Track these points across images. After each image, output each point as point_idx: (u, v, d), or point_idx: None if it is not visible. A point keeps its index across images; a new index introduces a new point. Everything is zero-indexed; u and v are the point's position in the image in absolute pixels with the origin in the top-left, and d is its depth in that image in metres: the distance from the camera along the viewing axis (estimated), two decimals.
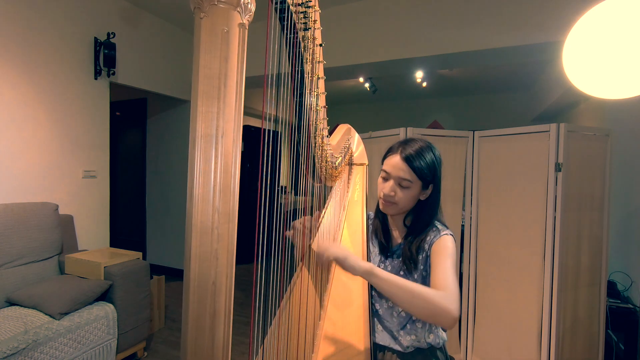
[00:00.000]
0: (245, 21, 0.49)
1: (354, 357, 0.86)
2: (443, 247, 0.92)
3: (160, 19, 3.48)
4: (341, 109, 6.54)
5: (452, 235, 0.96)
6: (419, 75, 4.42)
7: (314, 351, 0.89)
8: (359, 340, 0.90)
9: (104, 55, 2.85)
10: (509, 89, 5.18)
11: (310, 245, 1.05)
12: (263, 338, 0.86)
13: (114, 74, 2.96)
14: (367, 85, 4.98)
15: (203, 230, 0.46)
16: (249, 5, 0.49)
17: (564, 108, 4.16)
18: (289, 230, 1.02)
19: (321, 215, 1.18)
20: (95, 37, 2.83)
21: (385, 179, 0.98)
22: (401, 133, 2.37)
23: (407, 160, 0.94)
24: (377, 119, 6.27)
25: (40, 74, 2.51)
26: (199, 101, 0.46)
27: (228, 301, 0.48)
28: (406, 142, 0.98)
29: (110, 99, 3.03)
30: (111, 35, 2.86)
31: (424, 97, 5.86)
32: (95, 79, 2.86)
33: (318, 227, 1.04)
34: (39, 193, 2.53)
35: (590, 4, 0.97)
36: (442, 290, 0.80)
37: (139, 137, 4.44)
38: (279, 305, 0.93)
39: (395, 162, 0.96)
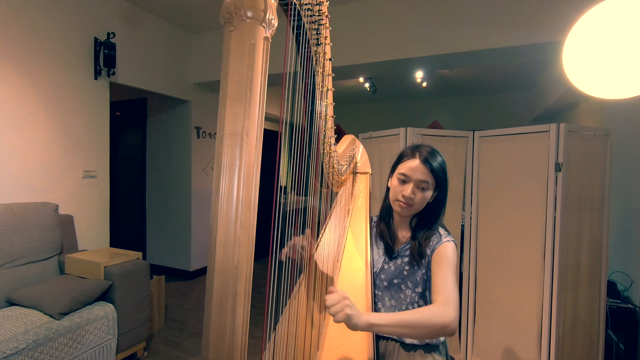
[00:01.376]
0: (268, 35, 0.55)
1: (356, 345, 0.90)
2: (444, 255, 0.95)
3: (160, 19, 3.48)
4: (341, 109, 6.53)
5: (453, 241, 0.99)
6: (419, 75, 4.41)
7: (319, 347, 0.92)
8: (362, 333, 0.92)
9: (104, 55, 2.85)
10: (509, 89, 5.18)
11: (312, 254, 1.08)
12: (275, 326, 0.92)
13: (114, 74, 2.96)
14: (367, 85, 4.98)
15: (227, 219, 0.51)
16: (273, 21, 0.55)
17: (564, 108, 4.16)
18: (291, 247, 1.03)
19: (325, 222, 1.22)
20: (95, 37, 2.83)
21: (404, 182, 1.01)
22: (401, 133, 2.37)
23: (426, 162, 0.98)
24: (377, 119, 6.27)
25: (40, 74, 2.51)
26: (228, 103, 0.52)
27: (248, 283, 0.53)
28: (418, 147, 1.03)
29: (110, 99, 3.03)
30: (111, 35, 2.86)
31: (424, 97, 5.86)
32: (95, 79, 2.87)
33: (317, 246, 1.07)
34: (39, 193, 2.53)
35: (590, 4, 0.97)
36: (441, 297, 0.84)
37: (139, 137, 4.44)
38: (286, 302, 0.96)
39: (415, 165, 0.99)
